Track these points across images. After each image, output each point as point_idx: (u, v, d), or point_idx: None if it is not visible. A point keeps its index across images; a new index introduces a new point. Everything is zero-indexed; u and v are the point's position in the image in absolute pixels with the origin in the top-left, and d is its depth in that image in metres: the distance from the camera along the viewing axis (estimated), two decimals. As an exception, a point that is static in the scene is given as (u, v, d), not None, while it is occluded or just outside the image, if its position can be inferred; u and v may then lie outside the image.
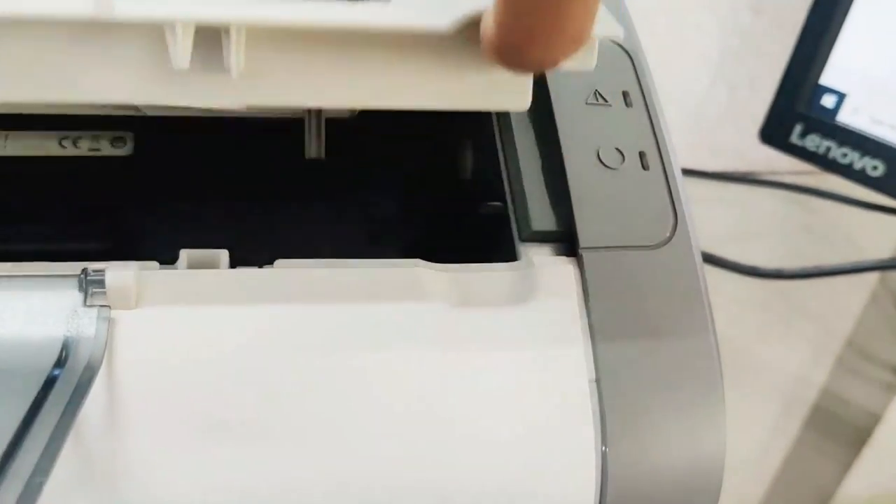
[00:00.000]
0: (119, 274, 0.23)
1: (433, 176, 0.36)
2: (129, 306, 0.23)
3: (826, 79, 0.53)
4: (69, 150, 0.37)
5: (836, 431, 0.48)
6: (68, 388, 0.20)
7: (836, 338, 0.54)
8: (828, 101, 0.53)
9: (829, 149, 0.53)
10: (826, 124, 0.53)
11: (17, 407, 0.20)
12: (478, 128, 0.32)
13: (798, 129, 0.54)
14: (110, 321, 0.22)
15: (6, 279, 0.23)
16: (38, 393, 0.20)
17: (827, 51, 0.52)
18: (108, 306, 0.23)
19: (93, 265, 0.23)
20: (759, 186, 0.68)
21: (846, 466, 0.46)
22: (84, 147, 0.37)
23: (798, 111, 0.54)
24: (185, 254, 0.24)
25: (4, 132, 0.37)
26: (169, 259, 0.25)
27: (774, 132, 0.56)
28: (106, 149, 0.37)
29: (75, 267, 0.23)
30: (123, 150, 0.37)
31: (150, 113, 0.34)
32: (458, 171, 0.36)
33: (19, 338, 0.22)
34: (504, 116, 0.30)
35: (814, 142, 0.54)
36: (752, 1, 0.66)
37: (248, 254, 0.26)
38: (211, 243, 0.25)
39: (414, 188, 0.36)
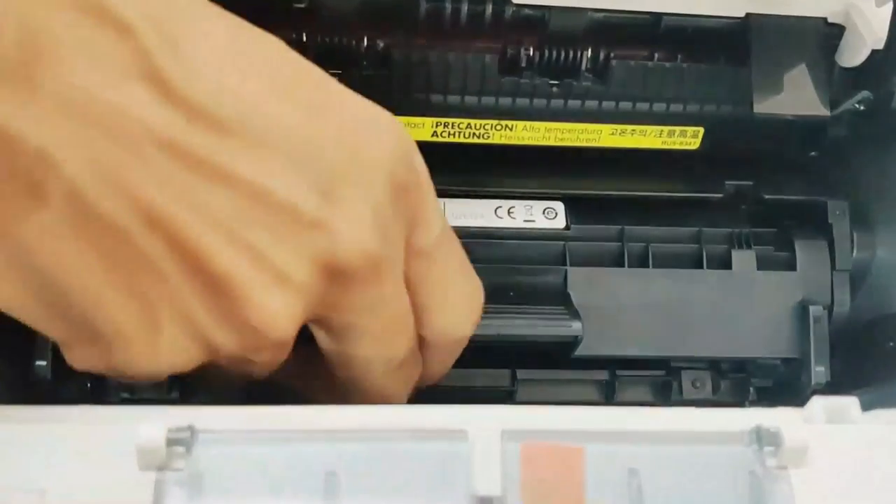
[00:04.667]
0: (797, 432, 0.22)
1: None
2: (801, 464, 0.23)
3: None
4: (505, 221, 0.37)
5: None
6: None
7: None
8: None
9: None
10: None
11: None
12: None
13: None
14: (791, 483, 0.22)
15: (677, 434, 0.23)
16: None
17: None
18: (786, 467, 0.23)
19: (762, 420, 0.23)
20: None
21: None
22: (519, 218, 0.37)
23: None
24: (818, 401, 0.24)
25: (442, 199, 0.37)
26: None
27: None
28: (540, 220, 0.37)
29: (731, 420, 0.23)
30: (556, 222, 0.37)
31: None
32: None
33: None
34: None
35: None
36: None
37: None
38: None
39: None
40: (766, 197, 0.37)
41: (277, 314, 0.20)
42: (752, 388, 0.37)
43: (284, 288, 0.20)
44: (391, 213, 0.22)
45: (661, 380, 0.37)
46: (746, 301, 0.36)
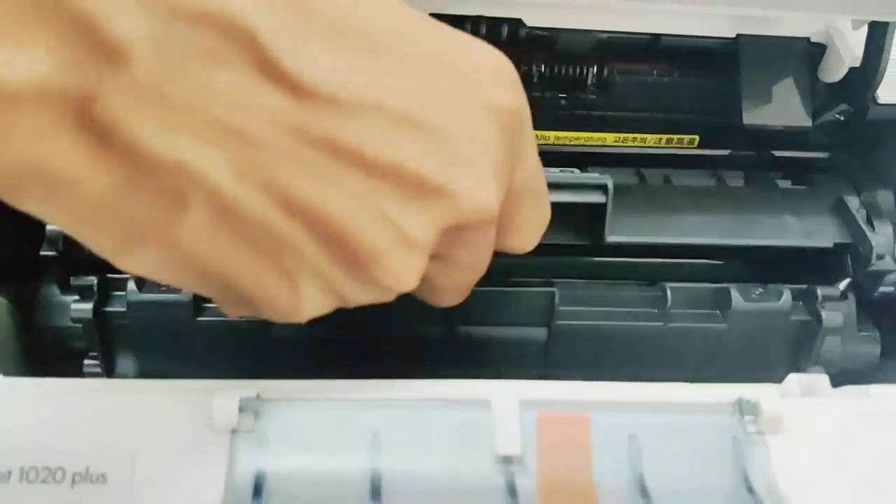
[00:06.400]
0: (773, 404, 0.26)
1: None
2: (777, 431, 0.26)
3: None
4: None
5: None
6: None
7: None
8: None
9: None
10: None
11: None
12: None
13: None
14: (767, 447, 0.26)
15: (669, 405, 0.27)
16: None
17: None
18: (764, 433, 0.26)
19: (744, 393, 0.26)
20: None
21: None
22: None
23: None
24: (794, 377, 0.28)
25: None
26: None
27: None
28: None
29: (717, 393, 0.27)
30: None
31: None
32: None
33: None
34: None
35: None
36: None
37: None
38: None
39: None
40: (776, 154, 0.38)
41: (405, 273, 0.22)
42: (819, 293, 0.34)
43: (411, 250, 0.21)
44: (505, 160, 0.23)
45: (713, 291, 0.34)
46: (786, 201, 0.36)
